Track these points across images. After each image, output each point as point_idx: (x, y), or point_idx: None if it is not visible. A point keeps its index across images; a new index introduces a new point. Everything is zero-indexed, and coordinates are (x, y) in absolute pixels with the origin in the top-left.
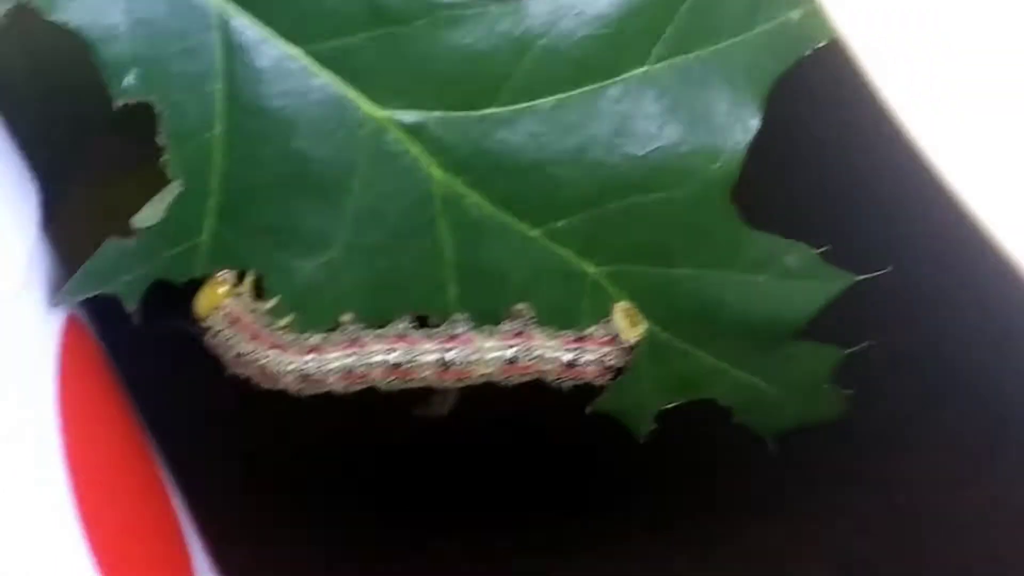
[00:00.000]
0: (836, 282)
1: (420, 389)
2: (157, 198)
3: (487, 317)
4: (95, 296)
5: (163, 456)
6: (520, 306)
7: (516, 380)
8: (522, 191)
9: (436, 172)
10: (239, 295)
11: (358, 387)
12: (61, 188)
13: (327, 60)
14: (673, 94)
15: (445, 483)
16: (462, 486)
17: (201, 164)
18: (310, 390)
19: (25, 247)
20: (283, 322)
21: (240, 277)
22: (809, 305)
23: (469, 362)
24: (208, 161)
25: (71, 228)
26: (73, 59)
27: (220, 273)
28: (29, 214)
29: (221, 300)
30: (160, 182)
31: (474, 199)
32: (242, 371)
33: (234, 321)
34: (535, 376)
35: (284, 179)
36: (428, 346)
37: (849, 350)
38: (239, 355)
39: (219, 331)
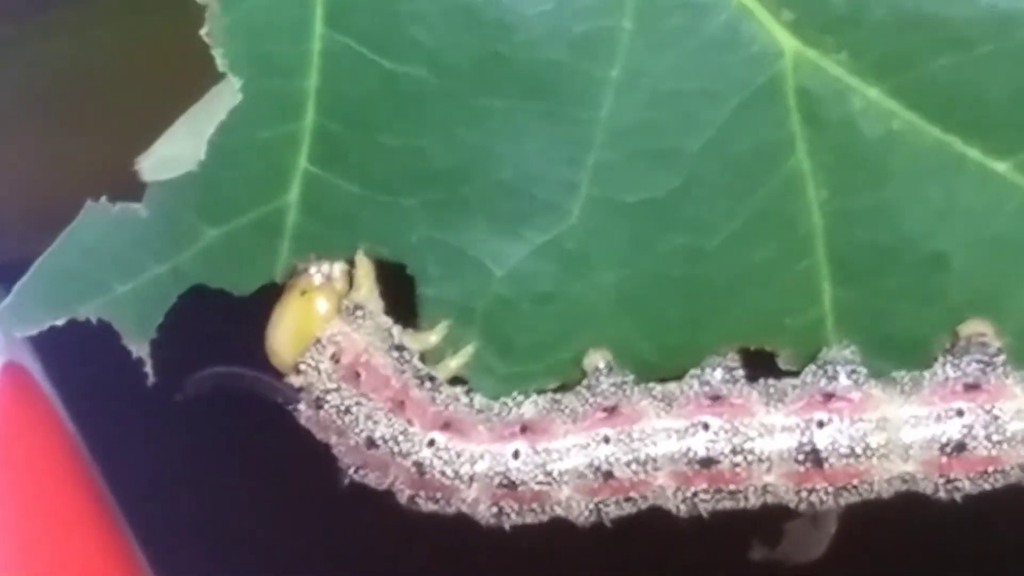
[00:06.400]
0: None
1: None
2: (182, 122)
3: (890, 350)
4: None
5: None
6: (975, 326)
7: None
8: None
9: (789, 42)
10: (358, 311)
11: (584, 513)
12: None
13: None
14: None
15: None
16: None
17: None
18: (485, 511)
19: None
20: (454, 362)
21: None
22: None
23: (865, 450)
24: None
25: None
26: None
27: (311, 267)
28: None
29: (326, 322)
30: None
31: (869, 98)
32: (358, 462)
33: (355, 368)
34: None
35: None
36: (784, 418)
37: None
38: (361, 435)
39: (325, 393)
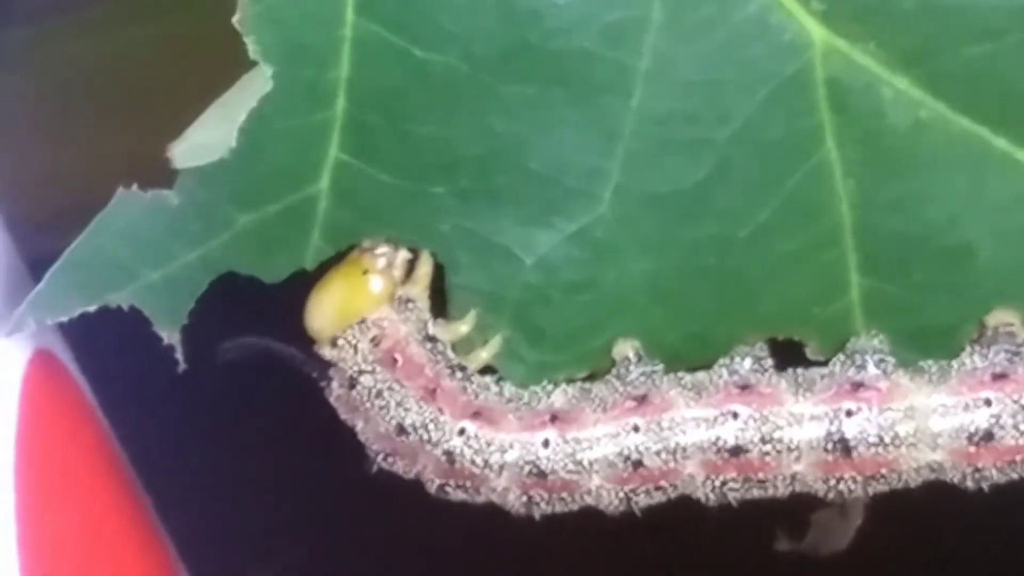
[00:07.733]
0: None
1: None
2: (214, 109)
3: (918, 340)
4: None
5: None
6: (1002, 316)
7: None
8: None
9: (818, 31)
10: (409, 304)
11: (614, 501)
12: None
13: None
14: None
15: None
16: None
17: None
18: (515, 500)
19: None
20: (485, 352)
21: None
22: None
23: (894, 439)
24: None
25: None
26: None
27: (377, 248)
28: None
29: (377, 305)
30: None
31: (898, 88)
32: (386, 449)
33: (392, 354)
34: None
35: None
36: (813, 407)
37: None
38: (391, 422)
39: (359, 373)
